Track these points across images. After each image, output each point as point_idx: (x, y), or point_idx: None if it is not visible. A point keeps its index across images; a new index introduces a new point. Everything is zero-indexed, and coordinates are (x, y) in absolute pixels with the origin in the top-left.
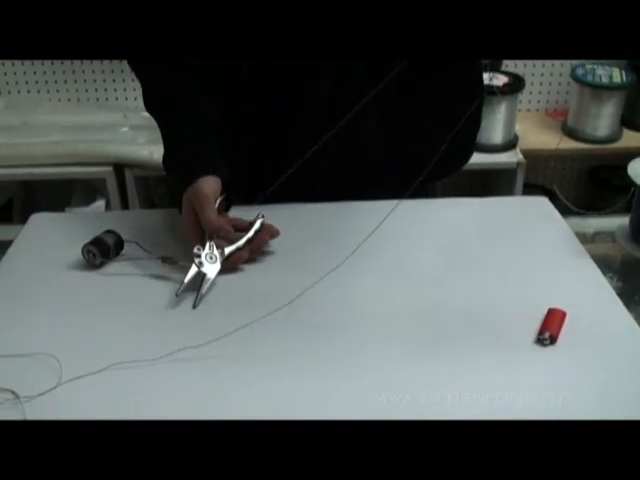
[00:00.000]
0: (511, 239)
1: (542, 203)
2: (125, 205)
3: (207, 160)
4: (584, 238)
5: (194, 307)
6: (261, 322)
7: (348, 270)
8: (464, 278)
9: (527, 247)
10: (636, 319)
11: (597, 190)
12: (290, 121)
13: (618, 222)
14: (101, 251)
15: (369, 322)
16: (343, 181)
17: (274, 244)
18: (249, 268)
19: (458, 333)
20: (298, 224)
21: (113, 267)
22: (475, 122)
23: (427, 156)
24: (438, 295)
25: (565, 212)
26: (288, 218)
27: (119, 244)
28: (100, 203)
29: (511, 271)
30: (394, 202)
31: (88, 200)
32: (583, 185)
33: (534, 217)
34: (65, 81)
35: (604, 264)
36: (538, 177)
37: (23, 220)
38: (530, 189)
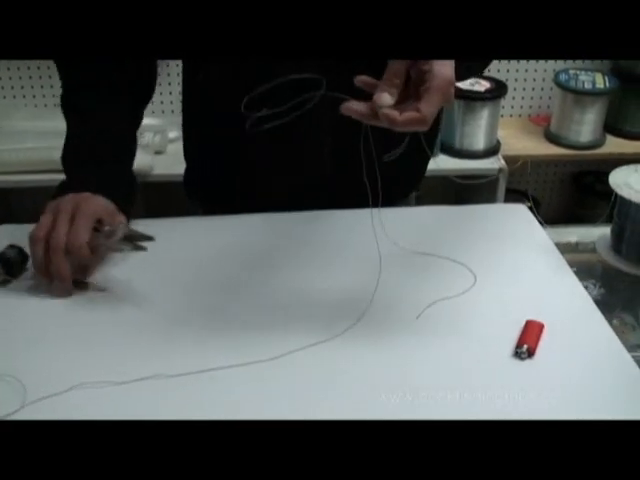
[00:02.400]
0: (488, 248)
1: (520, 211)
2: None
3: (113, 181)
4: (565, 248)
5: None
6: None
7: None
8: (438, 288)
9: (505, 256)
10: (618, 327)
11: (581, 196)
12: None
13: (599, 232)
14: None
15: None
16: (302, 196)
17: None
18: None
19: (434, 346)
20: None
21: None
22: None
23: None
24: (409, 306)
25: (548, 218)
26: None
27: (23, 259)
28: None
29: (487, 281)
30: (367, 210)
31: None
32: (567, 191)
33: (512, 225)
34: (41, 86)
35: (586, 273)
36: (521, 183)
37: None
38: (513, 195)
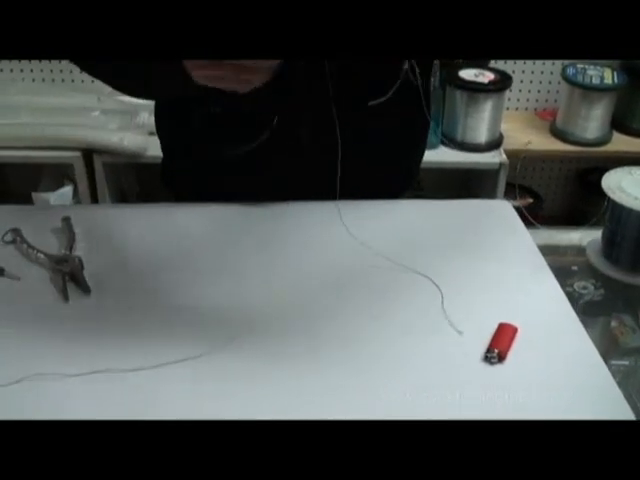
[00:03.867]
0: (466, 245)
1: (503, 207)
2: (94, 192)
3: None
4: (553, 250)
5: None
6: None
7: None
8: (411, 286)
9: (483, 255)
10: (617, 328)
11: (585, 193)
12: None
13: (590, 236)
14: None
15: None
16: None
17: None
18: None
19: (402, 347)
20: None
21: None
22: (418, 149)
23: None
24: (383, 303)
25: (551, 215)
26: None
27: None
28: (67, 189)
29: (462, 280)
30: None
31: (56, 185)
32: (571, 187)
33: (493, 223)
34: (39, 60)
35: (586, 273)
36: (525, 178)
37: None
38: (515, 190)
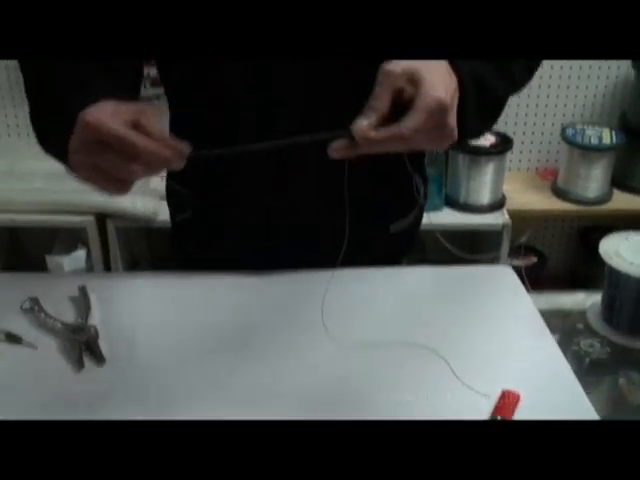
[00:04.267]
0: (469, 311)
1: (505, 273)
2: (106, 255)
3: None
4: (554, 314)
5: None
6: None
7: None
8: (415, 353)
9: (485, 321)
10: (625, 386)
11: (588, 251)
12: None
13: (590, 300)
14: None
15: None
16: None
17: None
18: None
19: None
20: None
21: None
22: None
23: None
24: (384, 369)
25: (555, 274)
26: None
27: None
28: (81, 252)
29: (465, 345)
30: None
31: (70, 248)
32: (574, 246)
33: (495, 288)
34: None
35: (592, 331)
36: (528, 237)
37: (6, 267)
38: (519, 250)
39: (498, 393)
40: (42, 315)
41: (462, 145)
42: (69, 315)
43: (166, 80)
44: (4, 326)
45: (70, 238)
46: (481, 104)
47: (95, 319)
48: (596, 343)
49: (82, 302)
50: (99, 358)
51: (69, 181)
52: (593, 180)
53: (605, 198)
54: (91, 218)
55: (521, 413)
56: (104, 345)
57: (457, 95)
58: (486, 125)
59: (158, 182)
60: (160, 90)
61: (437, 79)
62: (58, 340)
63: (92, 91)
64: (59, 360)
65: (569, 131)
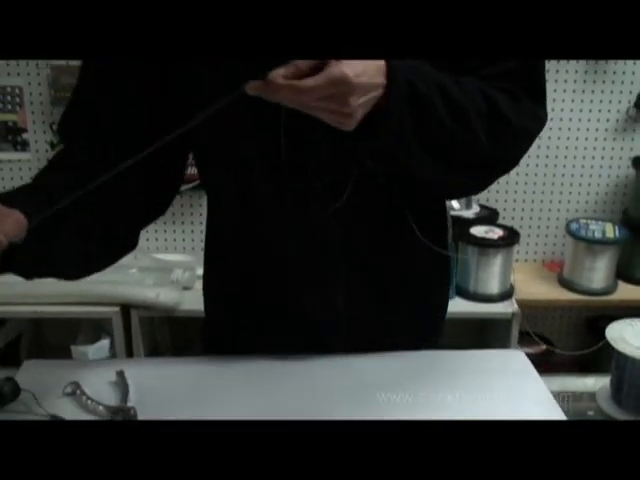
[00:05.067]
0: (482, 395)
1: (517, 356)
2: (129, 344)
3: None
4: (564, 397)
5: None
6: None
7: None
8: None
9: (499, 403)
10: None
11: (595, 339)
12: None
13: (600, 383)
14: None
15: None
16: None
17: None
18: None
19: None
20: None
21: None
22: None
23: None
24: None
25: (563, 362)
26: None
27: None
28: (104, 342)
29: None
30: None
31: (93, 338)
32: (581, 335)
33: (508, 371)
34: None
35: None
36: (537, 326)
37: (30, 356)
38: (528, 338)
39: None
40: (84, 398)
41: (471, 238)
42: (109, 398)
43: (203, 176)
44: (48, 410)
45: (94, 327)
46: (419, 122)
47: (133, 401)
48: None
49: (120, 385)
50: None
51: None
52: (598, 272)
53: (610, 289)
54: (116, 309)
55: None
56: None
57: (377, 93)
58: (438, 165)
59: (180, 274)
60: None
61: (356, 62)
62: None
63: None
64: None
65: (573, 225)
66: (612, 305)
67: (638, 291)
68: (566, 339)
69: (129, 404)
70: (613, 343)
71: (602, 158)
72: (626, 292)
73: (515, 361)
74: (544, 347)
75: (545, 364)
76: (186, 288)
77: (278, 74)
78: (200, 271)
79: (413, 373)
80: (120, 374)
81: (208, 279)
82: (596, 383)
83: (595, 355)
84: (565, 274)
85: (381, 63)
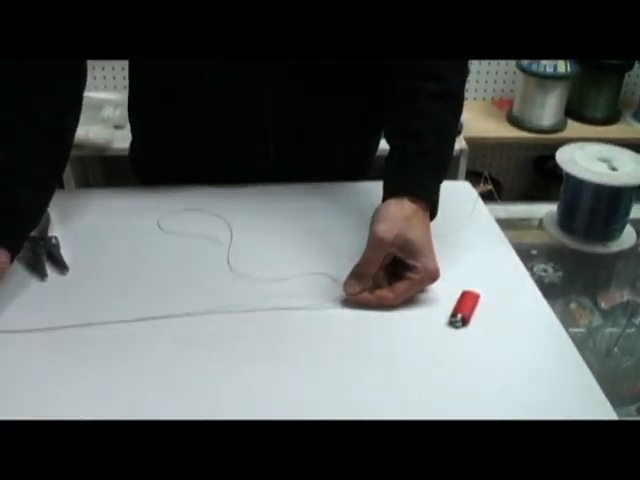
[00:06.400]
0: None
1: (465, 188)
2: (60, 185)
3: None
4: (511, 225)
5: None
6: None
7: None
8: None
9: (446, 232)
10: (575, 310)
11: (541, 180)
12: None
13: (546, 209)
14: None
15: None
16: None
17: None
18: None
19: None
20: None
21: None
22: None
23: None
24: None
25: (508, 201)
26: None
27: None
28: None
29: None
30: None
31: None
32: (528, 174)
33: (456, 202)
34: None
35: (546, 256)
36: (484, 165)
37: None
38: (475, 177)
39: (459, 294)
40: None
41: None
42: None
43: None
44: None
45: None
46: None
47: (55, 232)
48: (549, 268)
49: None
50: (62, 266)
51: None
52: (548, 108)
53: (559, 127)
54: None
55: (482, 313)
56: (66, 255)
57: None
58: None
59: (111, 111)
60: None
61: (429, 248)
62: (22, 252)
63: None
64: (23, 270)
65: (524, 60)
66: (560, 143)
67: (586, 129)
68: (512, 180)
69: (50, 234)
70: (563, 165)
71: None
72: (575, 130)
73: (461, 192)
74: (490, 187)
75: (491, 204)
76: (118, 127)
77: (354, 291)
78: None
79: (360, 203)
80: None
81: (134, 106)
82: (539, 210)
83: (541, 196)
84: (515, 111)
85: (428, 223)
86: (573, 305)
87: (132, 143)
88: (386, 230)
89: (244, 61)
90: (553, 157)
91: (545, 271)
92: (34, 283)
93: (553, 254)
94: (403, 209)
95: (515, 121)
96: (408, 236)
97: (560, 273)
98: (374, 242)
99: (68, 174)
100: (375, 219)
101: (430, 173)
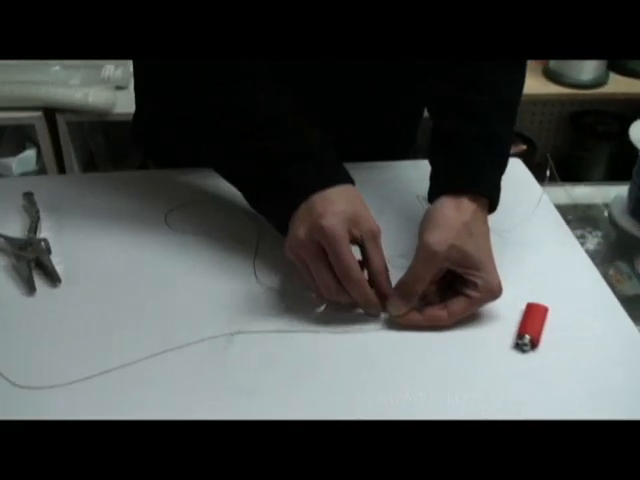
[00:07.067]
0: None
1: (515, 165)
2: (58, 154)
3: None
4: (571, 209)
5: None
6: None
7: None
8: None
9: (502, 227)
10: (614, 276)
11: (579, 137)
12: None
13: (613, 192)
14: None
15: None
16: None
17: None
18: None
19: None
20: None
21: None
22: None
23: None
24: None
25: (543, 160)
26: None
27: None
28: (30, 152)
29: None
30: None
31: (17, 149)
32: (563, 132)
33: (507, 184)
34: None
35: (582, 221)
36: (517, 124)
37: None
38: None
39: (522, 308)
40: None
41: None
42: (15, 229)
43: None
44: None
45: (17, 137)
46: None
47: (45, 231)
48: (587, 234)
49: (29, 212)
50: (53, 277)
51: (11, 73)
52: (588, 62)
53: (600, 81)
54: (39, 114)
55: (552, 331)
56: (57, 261)
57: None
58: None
59: (112, 71)
60: None
61: (490, 260)
62: (3, 258)
63: (314, 161)
64: (6, 282)
65: None
66: (602, 99)
67: (631, 83)
68: (547, 138)
69: (40, 235)
70: (638, 144)
71: None
72: (618, 84)
73: (513, 170)
74: (524, 147)
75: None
76: (120, 87)
77: (402, 312)
78: None
79: (402, 186)
80: (28, 197)
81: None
82: (608, 193)
83: (579, 156)
84: (552, 65)
85: (488, 229)
86: (611, 272)
87: (136, 115)
88: (440, 241)
89: (252, 61)
90: (591, 112)
91: (583, 237)
92: (19, 299)
93: (588, 219)
94: (461, 212)
95: (552, 75)
96: (466, 248)
97: (598, 239)
98: (425, 255)
99: (67, 144)
100: (426, 225)
101: (493, 162)
